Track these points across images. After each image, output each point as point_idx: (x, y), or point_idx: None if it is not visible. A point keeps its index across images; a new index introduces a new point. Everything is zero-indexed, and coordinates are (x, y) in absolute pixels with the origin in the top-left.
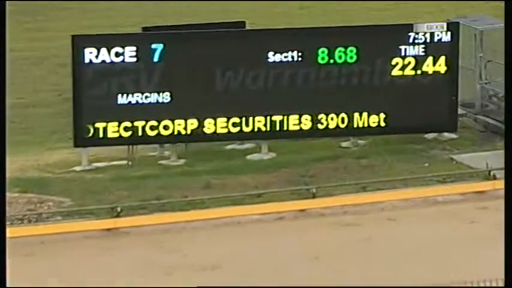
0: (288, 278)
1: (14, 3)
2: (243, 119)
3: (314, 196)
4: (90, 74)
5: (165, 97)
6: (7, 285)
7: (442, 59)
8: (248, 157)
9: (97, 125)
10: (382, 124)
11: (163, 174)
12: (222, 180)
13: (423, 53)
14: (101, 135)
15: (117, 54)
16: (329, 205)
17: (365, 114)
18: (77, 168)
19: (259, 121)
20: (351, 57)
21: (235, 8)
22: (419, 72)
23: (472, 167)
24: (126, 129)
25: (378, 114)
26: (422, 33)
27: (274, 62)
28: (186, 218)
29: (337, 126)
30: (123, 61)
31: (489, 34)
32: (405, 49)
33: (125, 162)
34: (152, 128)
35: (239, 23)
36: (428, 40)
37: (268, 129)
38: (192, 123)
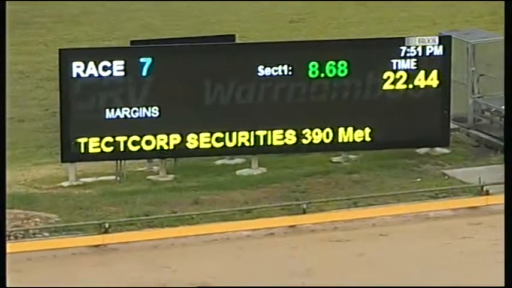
0: None
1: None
2: (233, 133)
3: (304, 212)
4: (77, 88)
5: (154, 111)
6: (7, 285)
7: (434, 72)
8: (238, 172)
9: (84, 139)
10: (373, 139)
11: (152, 190)
12: (211, 196)
13: (415, 67)
14: (89, 150)
15: (105, 68)
16: (320, 221)
17: (357, 129)
18: (65, 184)
19: (258, 135)
20: (342, 71)
21: (224, 21)
22: (411, 86)
23: (464, 182)
24: (114, 144)
25: (367, 129)
26: (414, 47)
27: (264, 76)
28: (175, 234)
29: (322, 141)
30: (111, 75)
31: (481, 48)
32: (397, 63)
33: (113, 177)
34: (142, 142)
35: (229, 36)
36: (420, 54)
37: (262, 143)
38: (185, 138)
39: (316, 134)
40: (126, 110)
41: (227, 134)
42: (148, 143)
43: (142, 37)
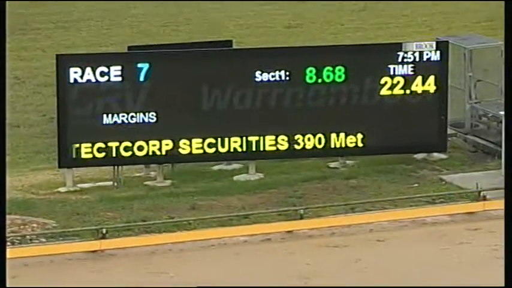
0: None
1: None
2: (228, 139)
3: (302, 217)
4: (74, 94)
5: (151, 117)
6: (7, 286)
7: (431, 78)
8: (235, 178)
9: (82, 145)
10: (370, 145)
11: (149, 195)
12: (208, 201)
13: (412, 72)
14: (86, 155)
15: (102, 74)
16: (317, 226)
17: (352, 135)
18: (62, 189)
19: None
20: (339, 77)
21: (222, 27)
22: (408, 91)
23: (461, 188)
24: (111, 149)
25: (363, 135)
26: (411, 52)
27: (261, 81)
28: (172, 240)
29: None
30: (108, 81)
31: (479, 53)
32: (394, 68)
33: (110, 183)
34: (141, 148)
35: (226, 41)
36: (417, 59)
37: (255, 149)
38: (179, 144)
39: (309, 139)
40: (123, 116)
41: (226, 139)
42: (145, 148)
43: (139, 43)
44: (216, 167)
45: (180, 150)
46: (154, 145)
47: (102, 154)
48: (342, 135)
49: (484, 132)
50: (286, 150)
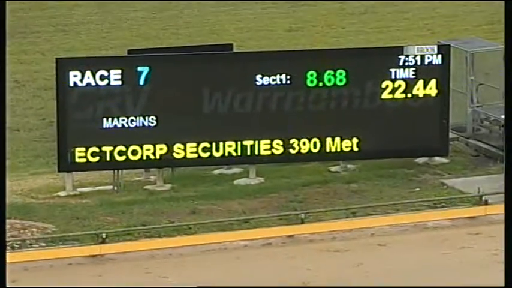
0: None
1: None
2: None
3: (302, 221)
4: (74, 98)
5: (151, 121)
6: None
7: (433, 82)
8: (235, 182)
9: (81, 149)
10: (370, 148)
11: (149, 200)
12: (208, 206)
13: (414, 76)
14: (86, 159)
15: (102, 78)
16: (318, 231)
17: (355, 138)
18: (61, 194)
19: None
20: (341, 80)
21: (222, 30)
22: (409, 95)
23: (463, 192)
24: (110, 153)
25: (367, 138)
26: (413, 56)
27: (262, 85)
28: (172, 244)
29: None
30: (108, 84)
31: (481, 57)
32: (395, 72)
33: (110, 187)
34: (139, 152)
35: (227, 45)
36: (418, 63)
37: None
38: (175, 148)
39: (304, 144)
40: (123, 120)
41: (226, 143)
42: (144, 152)
43: (139, 46)
44: (216, 171)
45: (180, 154)
46: (155, 149)
47: (102, 158)
48: (337, 139)
49: (486, 136)
50: (290, 154)
